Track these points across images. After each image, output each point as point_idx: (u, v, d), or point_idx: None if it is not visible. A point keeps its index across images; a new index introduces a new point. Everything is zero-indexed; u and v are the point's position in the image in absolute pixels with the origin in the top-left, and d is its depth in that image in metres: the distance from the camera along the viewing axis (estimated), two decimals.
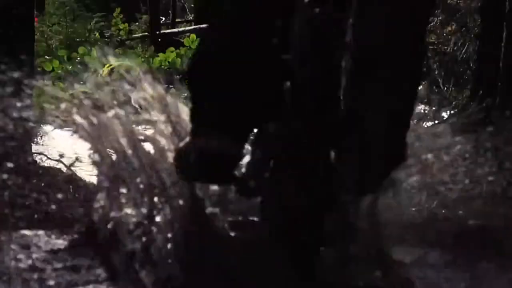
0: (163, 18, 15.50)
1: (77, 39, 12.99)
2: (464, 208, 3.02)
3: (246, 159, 2.21)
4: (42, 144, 7.57)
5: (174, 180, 2.21)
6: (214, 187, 2.16)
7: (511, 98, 4.38)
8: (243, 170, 2.19)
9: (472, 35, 8.11)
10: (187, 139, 2.25)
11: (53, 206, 4.16)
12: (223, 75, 2.05)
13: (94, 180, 5.77)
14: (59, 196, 4.44)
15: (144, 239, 2.00)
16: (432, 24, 9.45)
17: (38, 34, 11.21)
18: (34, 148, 5.90)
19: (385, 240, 1.91)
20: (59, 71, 11.89)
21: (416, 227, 2.25)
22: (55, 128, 9.02)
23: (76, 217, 3.96)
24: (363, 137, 2.00)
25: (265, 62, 1.99)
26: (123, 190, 2.27)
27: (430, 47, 9.30)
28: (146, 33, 14.37)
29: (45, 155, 5.78)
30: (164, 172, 2.22)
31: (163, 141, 2.51)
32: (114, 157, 2.60)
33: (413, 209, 4.86)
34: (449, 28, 9.10)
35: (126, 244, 1.98)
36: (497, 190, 4.24)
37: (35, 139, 6.94)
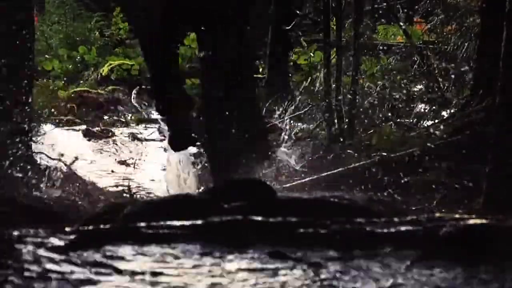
0: None
1: (77, 38, 12.99)
2: None
3: None
4: (43, 143, 7.57)
5: None
6: None
7: (511, 98, 4.38)
8: None
9: (472, 35, 8.10)
10: None
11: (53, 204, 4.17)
12: None
13: (93, 178, 5.79)
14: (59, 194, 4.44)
15: None
16: (432, 23, 9.45)
17: (38, 33, 11.21)
18: (34, 147, 5.90)
19: None
20: (59, 70, 11.89)
21: None
22: (55, 127, 9.03)
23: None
24: None
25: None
26: None
27: (430, 46, 9.29)
28: None
29: (45, 154, 5.79)
30: None
31: None
32: None
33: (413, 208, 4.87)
34: (449, 28, 9.09)
35: None
36: None
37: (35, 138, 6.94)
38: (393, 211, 2.70)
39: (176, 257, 2.00)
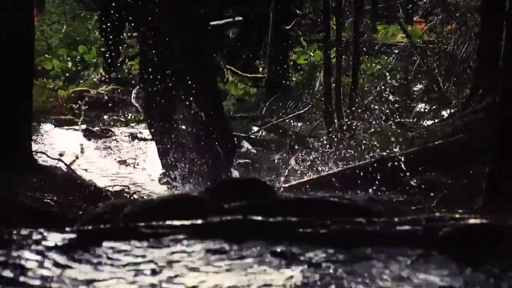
0: None
1: (77, 38, 12.98)
2: None
3: None
4: (43, 143, 7.57)
5: None
6: None
7: (511, 98, 4.38)
8: None
9: (472, 34, 8.10)
10: None
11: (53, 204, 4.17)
12: None
13: (93, 178, 5.79)
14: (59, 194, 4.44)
15: None
16: (432, 23, 9.45)
17: (38, 33, 11.20)
18: (34, 147, 5.90)
19: None
20: (59, 70, 11.89)
21: None
22: (55, 127, 9.04)
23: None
24: None
25: None
26: None
27: (430, 46, 9.29)
28: None
29: (45, 154, 5.79)
30: None
31: None
32: None
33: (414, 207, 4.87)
34: (449, 27, 9.09)
35: None
36: None
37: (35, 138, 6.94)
38: (393, 211, 2.70)
39: (176, 257, 2.00)
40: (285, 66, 10.67)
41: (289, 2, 11.06)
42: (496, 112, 4.61)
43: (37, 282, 1.80)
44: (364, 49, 9.90)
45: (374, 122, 7.83)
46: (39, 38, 11.71)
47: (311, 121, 8.84)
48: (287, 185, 6.12)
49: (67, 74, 11.61)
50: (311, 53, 10.98)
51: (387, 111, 8.40)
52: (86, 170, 6.46)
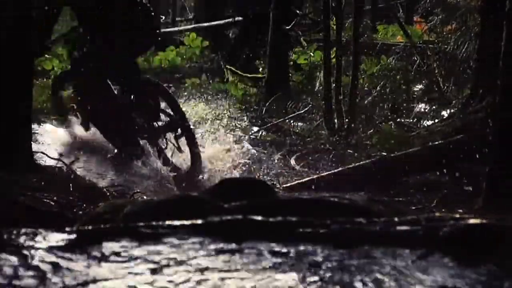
0: (163, 17, 15.49)
1: None
2: None
3: None
4: (43, 143, 7.56)
5: None
6: None
7: (511, 98, 4.37)
8: None
9: (472, 34, 8.10)
10: None
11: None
12: None
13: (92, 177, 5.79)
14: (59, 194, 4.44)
15: None
16: (432, 23, 9.45)
17: None
18: (35, 147, 5.90)
19: None
20: (59, 70, 11.89)
21: None
22: (55, 127, 9.03)
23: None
24: None
25: None
26: None
27: (430, 46, 9.30)
28: None
29: (45, 154, 5.78)
30: None
31: None
32: None
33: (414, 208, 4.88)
34: (449, 27, 9.09)
35: None
36: None
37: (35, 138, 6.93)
38: (393, 211, 2.70)
39: (176, 257, 2.01)
40: (285, 66, 10.68)
41: (289, 2, 11.06)
42: (496, 112, 4.61)
43: (36, 282, 1.80)
44: (365, 49, 9.91)
45: (374, 122, 7.83)
46: None
47: (311, 121, 8.84)
48: (287, 185, 6.12)
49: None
50: (311, 53, 10.97)
51: (387, 111, 8.40)
52: (86, 170, 6.46)
